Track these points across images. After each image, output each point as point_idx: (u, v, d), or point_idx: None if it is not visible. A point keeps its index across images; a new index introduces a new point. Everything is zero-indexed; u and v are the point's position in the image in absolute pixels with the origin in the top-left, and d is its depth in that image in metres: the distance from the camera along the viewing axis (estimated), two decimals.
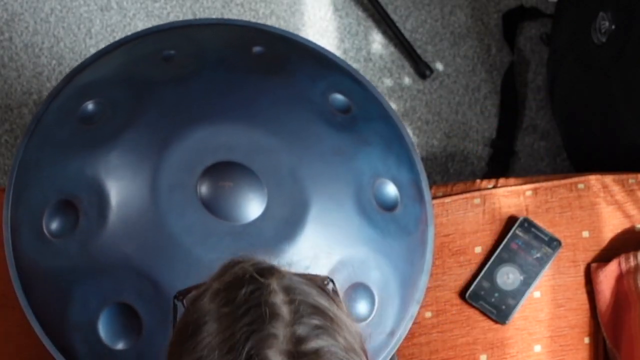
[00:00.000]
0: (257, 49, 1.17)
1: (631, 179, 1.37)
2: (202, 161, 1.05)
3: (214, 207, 1.03)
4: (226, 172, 1.04)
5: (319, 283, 0.81)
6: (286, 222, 1.05)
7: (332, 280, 0.83)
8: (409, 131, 1.83)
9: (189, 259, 1.02)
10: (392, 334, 1.13)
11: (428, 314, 1.31)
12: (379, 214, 1.11)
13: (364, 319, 1.10)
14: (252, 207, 1.04)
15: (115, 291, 1.04)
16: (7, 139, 1.85)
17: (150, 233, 1.03)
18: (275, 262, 0.80)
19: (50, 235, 1.08)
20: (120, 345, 1.05)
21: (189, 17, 1.90)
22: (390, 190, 1.14)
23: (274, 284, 0.76)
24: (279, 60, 1.16)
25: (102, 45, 1.89)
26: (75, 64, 1.88)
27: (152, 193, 1.03)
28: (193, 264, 1.02)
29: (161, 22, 1.90)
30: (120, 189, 1.05)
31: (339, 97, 1.16)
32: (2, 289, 1.29)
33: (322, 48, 1.23)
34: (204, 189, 1.04)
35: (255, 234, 1.04)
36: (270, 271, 0.77)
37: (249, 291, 0.75)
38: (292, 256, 1.05)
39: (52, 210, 1.08)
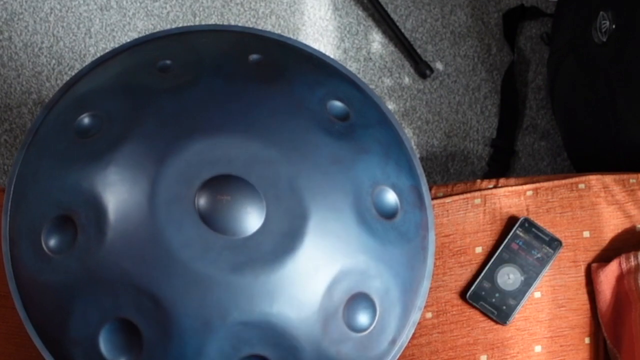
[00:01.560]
0: (254, 56, 1.16)
1: (632, 179, 1.36)
2: (200, 174, 1.04)
3: (212, 220, 1.03)
4: (224, 185, 1.04)
5: None
6: (285, 235, 1.04)
7: None
8: (409, 131, 1.82)
9: (188, 273, 1.02)
10: (393, 342, 1.14)
11: (428, 315, 1.31)
12: (379, 222, 1.11)
13: (365, 329, 1.10)
14: (251, 220, 1.04)
15: (115, 306, 1.03)
16: (6, 138, 1.85)
17: (148, 248, 1.02)
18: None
19: (48, 251, 1.08)
20: None
21: (189, 16, 1.90)
22: (390, 197, 1.14)
23: None
24: (276, 68, 1.16)
25: (101, 45, 1.89)
26: (74, 63, 1.87)
27: (149, 207, 1.03)
28: (192, 278, 1.02)
29: (161, 21, 1.90)
30: (117, 203, 1.04)
31: (337, 104, 1.16)
32: (2, 289, 1.29)
33: (320, 53, 1.23)
34: (202, 202, 1.04)
35: (254, 247, 1.03)
36: None
37: None
38: (291, 269, 1.05)
39: (50, 226, 1.08)
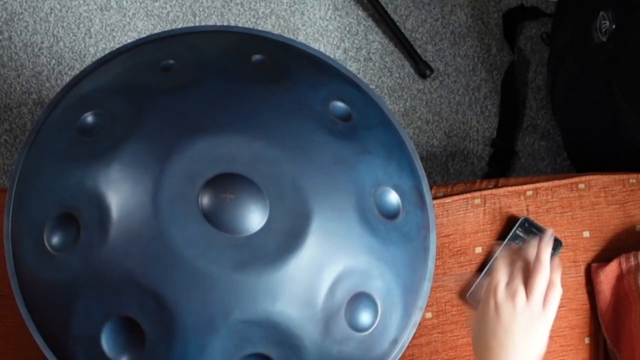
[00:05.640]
0: (256, 57, 1.17)
1: (632, 178, 1.37)
2: (203, 173, 1.04)
3: (215, 219, 1.03)
4: (228, 183, 1.04)
5: None
6: (288, 234, 1.05)
7: None
8: (409, 131, 1.83)
9: (191, 271, 1.02)
10: (395, 342, 1.14)
11: (428, 315, 1.31)
12: (381, 222, 1.11)
13: (367, 329, 1.10)
14: (254, 218, 1.04)
15: (117, 305, 1.04)
16: (6, 138, 1.85)
17: (151, 246, 1.03)
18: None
19: (51, 249, 1.08)
20: (124, 359, 1.05)
21: (189, 16, 1.90)
22: (392, 198, 1.14)
23: None
24: (279, 69, 1.16)
25: (101, 45, 1.89)
26: (74, 63, 1.87)
27: (153, 205, 1.03)
28: (195, 276, 1.02)
29: (161, 22, 1.90)
30: (120, 201, 1.04)
31: (339, 104, 1.16)
32: (1, 289, 1.29)
33: (322, 54, 1.23)
34: (205, 201, 1.04)
35: (257, 246, 1.03)
36: None
37: None
38: (294, 268, 1.05)
39: (53, 224, 1.08)
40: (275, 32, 1.25)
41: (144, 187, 1.04)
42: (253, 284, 1.03)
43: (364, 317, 1.09)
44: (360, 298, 1.09)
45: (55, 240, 1.08)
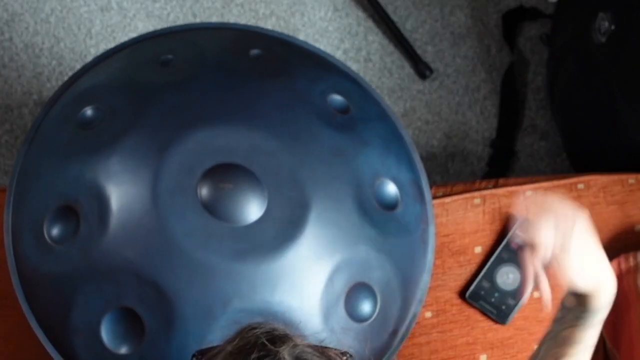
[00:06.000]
0: (254, 51, 1.17)
1: (631, 179, 1.37)
2: (202, 164, 1.05)
3: (214, 209, 1.04)
4: (226, 174, 1.05)
5: (334, 357, 0.82)
6: (287, 223, 1.05)
7: (351, 355, 0.84)
8: (409, 131, 1.83)
9: (191, 261, 1.03)
10: (394, 333, 1.14)
11: (428, 314, 1.31)
12: (380, 213, 1.11)
13: (367, 319, 1.10)
14: (253, 208, 1.05)
15: (117, 296, 1.04)
16: (7, 139, 1.85)
17: (151, 237, 1.03)
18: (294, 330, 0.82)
19: (51, 242, 1.08)
20: (123, 350, 1.05)
21: (189, 17, 1.90)
22: (390, 189, 1.14)
23: (285, 353, 0.77)
24: (277, 63, 1.17)
25: (102, 46, 1.89)
26: (75, 64, 1.88)
27: (152, 197, 1.04)
28: (194, 266, 1.03)
29: (161, 22, 1.90)
30: (120, 193, 1.05)
31: (337, 97, 1.16)
32: (2, 289, 1.29)
33: (320, 50, 1.24)
34: (204, 191, 1.04)
35: (256, 235, 1.04)
36: (283, 339, 0.79)
37: (257, 357, 0.77)
38: (293, 257, 1.05)
39: (53, 217, 1.09)
40: (275, 30, 1.26)
41: (143, 178, 1.05)
42: (252, 273, 1.03)
43: (364, 307, 1.09)
44: (360, 288, 1.09)
45: (55, 232, 1.08)
